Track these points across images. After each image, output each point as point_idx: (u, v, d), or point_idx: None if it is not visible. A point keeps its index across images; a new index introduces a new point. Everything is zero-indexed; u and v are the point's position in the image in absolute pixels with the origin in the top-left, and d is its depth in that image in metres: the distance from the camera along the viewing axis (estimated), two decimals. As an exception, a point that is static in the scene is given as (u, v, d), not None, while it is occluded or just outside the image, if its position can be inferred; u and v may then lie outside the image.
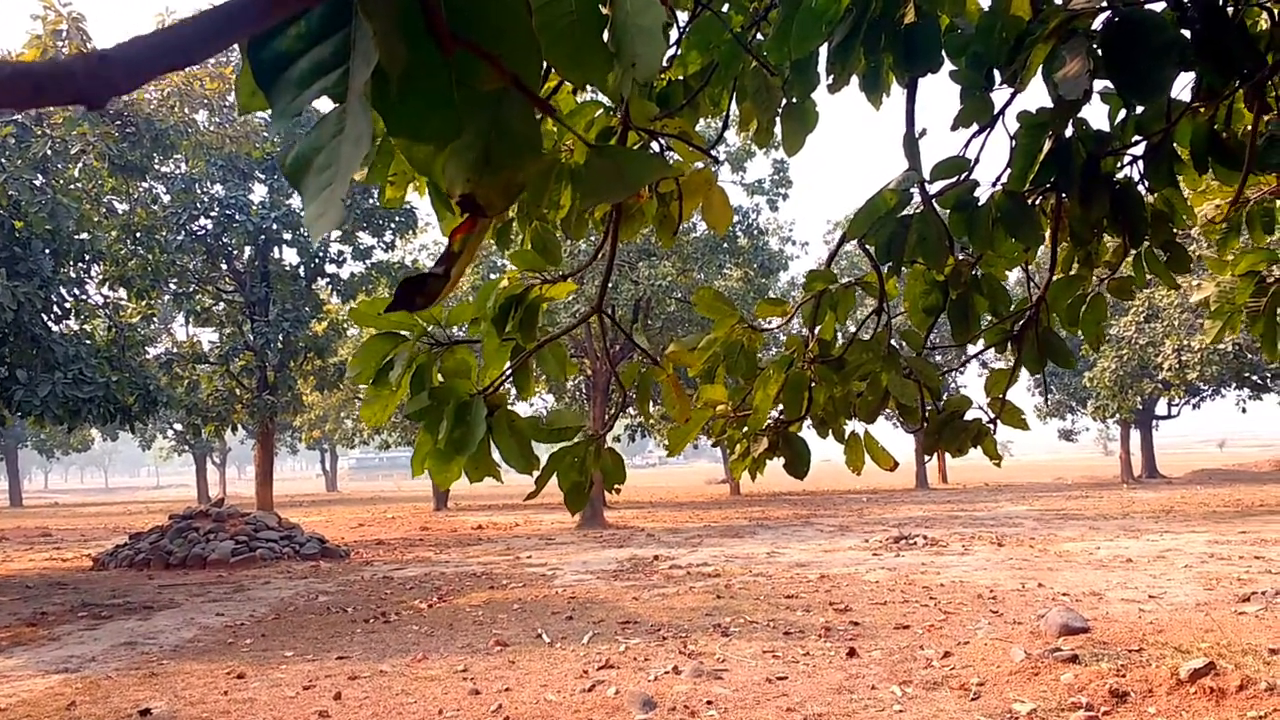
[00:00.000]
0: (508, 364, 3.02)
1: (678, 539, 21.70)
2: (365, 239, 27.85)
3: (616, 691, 7.85)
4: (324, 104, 0.71)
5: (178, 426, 35.75)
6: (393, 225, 27.52)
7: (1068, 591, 12.09)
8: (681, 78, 3.81)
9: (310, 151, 0.69)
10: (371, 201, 26.91)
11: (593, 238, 4.21)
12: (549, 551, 19.52)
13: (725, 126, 4.05)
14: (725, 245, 29.56)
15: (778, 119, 3.87)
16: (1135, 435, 45.25)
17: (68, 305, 15.62)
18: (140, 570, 18.22)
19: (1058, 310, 3.85)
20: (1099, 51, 2.37)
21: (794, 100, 3.77)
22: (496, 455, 2.98)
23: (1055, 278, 3.77)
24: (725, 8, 3.59)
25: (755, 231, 30.48)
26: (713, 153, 3.28)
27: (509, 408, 2.96)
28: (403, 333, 2.94)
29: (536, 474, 3.11)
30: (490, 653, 9.58)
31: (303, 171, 0.68)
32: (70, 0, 14.66)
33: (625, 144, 2.99)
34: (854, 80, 3.52)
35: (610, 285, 27.93)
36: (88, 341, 15.97)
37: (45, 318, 14.17)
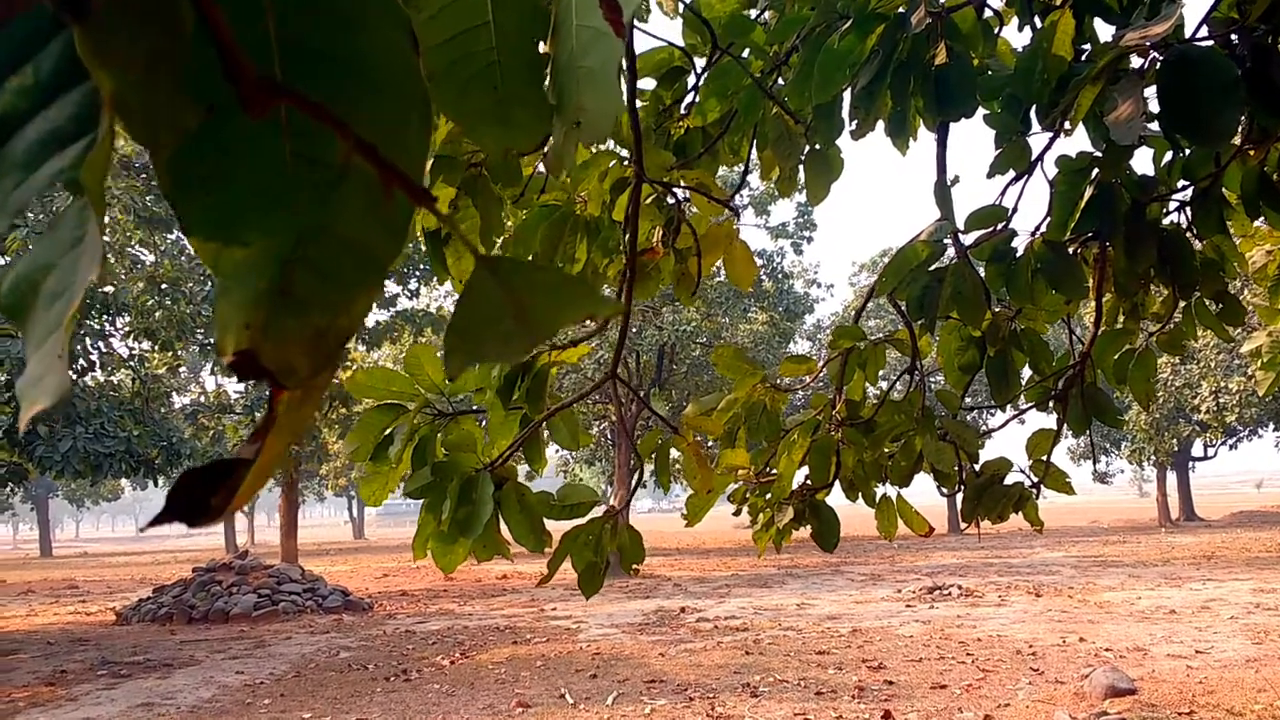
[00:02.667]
0: (516, 435, 2.82)
1: (705, 589, 21.30)
2: (390, 287, 27.89)
3: (642, 758, 7.55)
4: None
5: (204, 476, 35.68)
6: (417, 273, 27.54)
7: (1110, 646, 11.65)
8: (700, 126, 3.63)
9: (36, 273, 0.48)
10: (396, 250, 26.93)
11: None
12: (574, 603, 19.18)
13: (745, 174, 3.87)
14: (750, 290, 29.38)
15: (800, 167, 3.68)
16: (1171, 477, 44.39)
17: (93, 358, 15.60)
18: (163, 625, 18.04)
19: (1103, 366, 3.60)
20: (1153, 93, 2.17)
21: (817, 147, 3.58)
22: (506, 532, 2.78)
23: (1100, 331, 3.54)
24: (745, 52, 3.41)
25: (780, 275, 30.31)
26: (735, 199, 3.08)
27: (519, 481, 2.76)
28: (404, 404, 2.75)
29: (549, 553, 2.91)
30: (511, 715, 9.28)
31: (26, 305, 0.47)
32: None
33: (639, 198, 2.81)
34: (878, 127, 3.33)
35: (635, 332, 27.70)
36: (112, 394, 15.94)
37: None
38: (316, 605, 19.06)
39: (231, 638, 15.88)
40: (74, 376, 14.73)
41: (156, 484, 17.97)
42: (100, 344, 15.92)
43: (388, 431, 2.72)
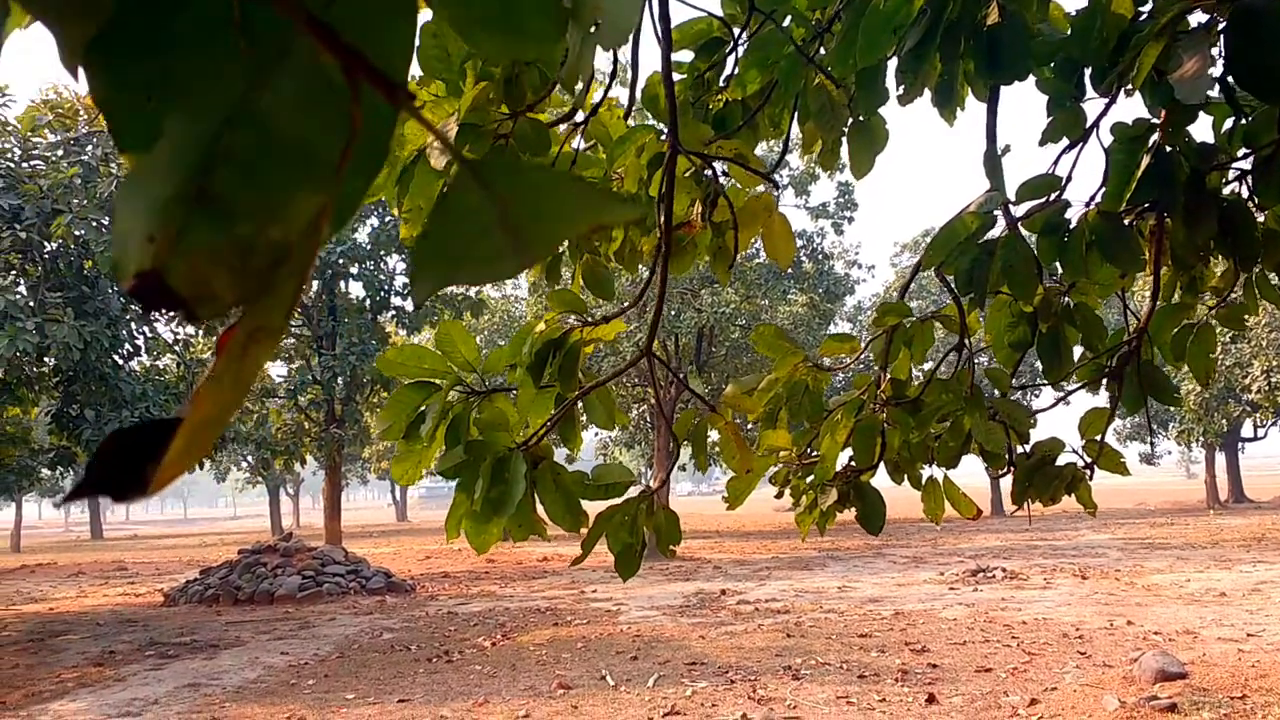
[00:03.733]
0: (551, 410, 2.75)
1: (745, 571, 21.23)
2: (429, 271, 27.94)
3: (682, 741, 7.50)
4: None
5: (250, 459, 36.22)
6: (456, 257, 27.58)
7: (1159, 630, 11.43)
8: (739, 98, 3.53)
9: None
10: (435, 234, 26.97)
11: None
12: (614, 585, 19.18)
13: (786, 149, 3.76)
14: (790, 271, 29.12)
15: (843, 139, 3.57)
16: (1220, 458, 43.60)
17: (138, 342, 15.77)
18: (210, 606, 18.28)
19: (1160, 342, 3.46)
20: (1222, 50, 2.04)
21: (860, 118, 3.46)
22: (542, 512, 2.71)
23: (1158, 306, 3.39)
24: (786, 21, 3.30)
25: (820, 256, 30.00)
26: (774, 177, 2.98)
27: (554, 460, 2.69)
28: (436, 381, 2.69)
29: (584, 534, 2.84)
30: (553, 696, 9.28)
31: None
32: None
33: (674, 171, 2.72)
34: (924, 94, 3.21)
35: (673, 314, 27.55)
36: (158, 378, 16.12)
37: (114, 356, 14.30)
38: (360, 587, 19.23)
39: (276, 619, 16.06)
40: (120, 361, 14.90)
41: (202, 466, 18.17)
42: (145, 329, 16.09)
43: (420, 410, 2.66)
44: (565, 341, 2.57)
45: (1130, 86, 2.52)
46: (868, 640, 11.55)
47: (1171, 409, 35.67)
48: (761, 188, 3.10)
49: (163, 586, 22.14)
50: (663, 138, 3.01)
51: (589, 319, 2.59)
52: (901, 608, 14.25)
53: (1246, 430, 42.01)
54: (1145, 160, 3.00)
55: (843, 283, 31.46)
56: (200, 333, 19.32)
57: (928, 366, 5.25)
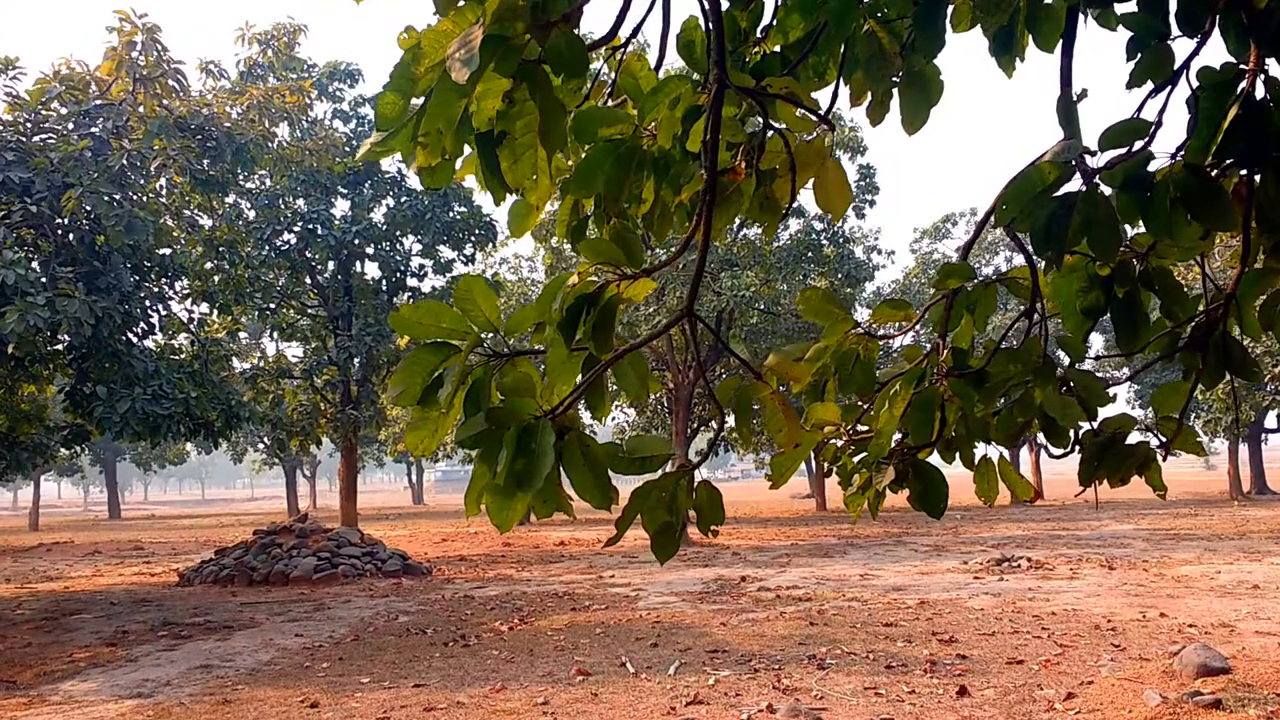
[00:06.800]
0: (578, 379, 2.48)
1: (765, 558, 20.97)
2: (446, 252, 27.72)
3: (706, 732, 7.25)
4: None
5: (266, 440, 36.20)
6: (473, 238, 27.33)
7: (1194, 622, 11.11)
8: (780, 48, 3.24)
9: None
10: (452, 215, 26.74)
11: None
12: (632, 570, 18.97)
13: (834, 101, 3.46)
14: (810, 255, 28.76)
15: (893, 91, 3.27)
16: (1242, 449, 43.01)
17: (152, 320, 15.59)
18: (224, 586, 18.17)
19: (1246, 311, 3.16)
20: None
21: (915, 68, 3.16)
22: (568, 486, 2.45)
23: (1245, 270, 3.09)
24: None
25: (841, 240, 29.59)
26: (829, 118, 2.69)
27: (582, 431, 2.42)
28: (454, 342, 2.42)
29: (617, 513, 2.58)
30: (572, 683, 9.05)
31: None
32: (146, 12, 14.64)
33: (719, 109, 2.44)
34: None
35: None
36: (172, 357, 15.94)
37: (127, 334, 14.11)
38: (375, 569, 19.09)
39: (291, 600, 15.92)
40: (134, 339, 14.72)
41: (217, 446, 18.04)
42: (159, 307, 15.90)
43: (437, 374, 2.39)
44: (600, 297, 2.29)
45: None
46: (893, 630, 11.27)
47: (1199, 398, 35.15)
48: (814, 133, 2.81)
49: (178, 566, 22.09)
50: (699, 89, 2.73)
51: (626, 271, 2.31)
52: (926, 596, 13.96)
53: (1270, 422, 41.42)
54: (1233, 110, 2.71)
55: (863, 267, 31.03)
56: (215, 312, 19.14)
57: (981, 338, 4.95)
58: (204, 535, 38.15)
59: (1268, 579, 14.73)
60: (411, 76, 1.89)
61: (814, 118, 2.71)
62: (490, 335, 2.44)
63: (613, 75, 3.00)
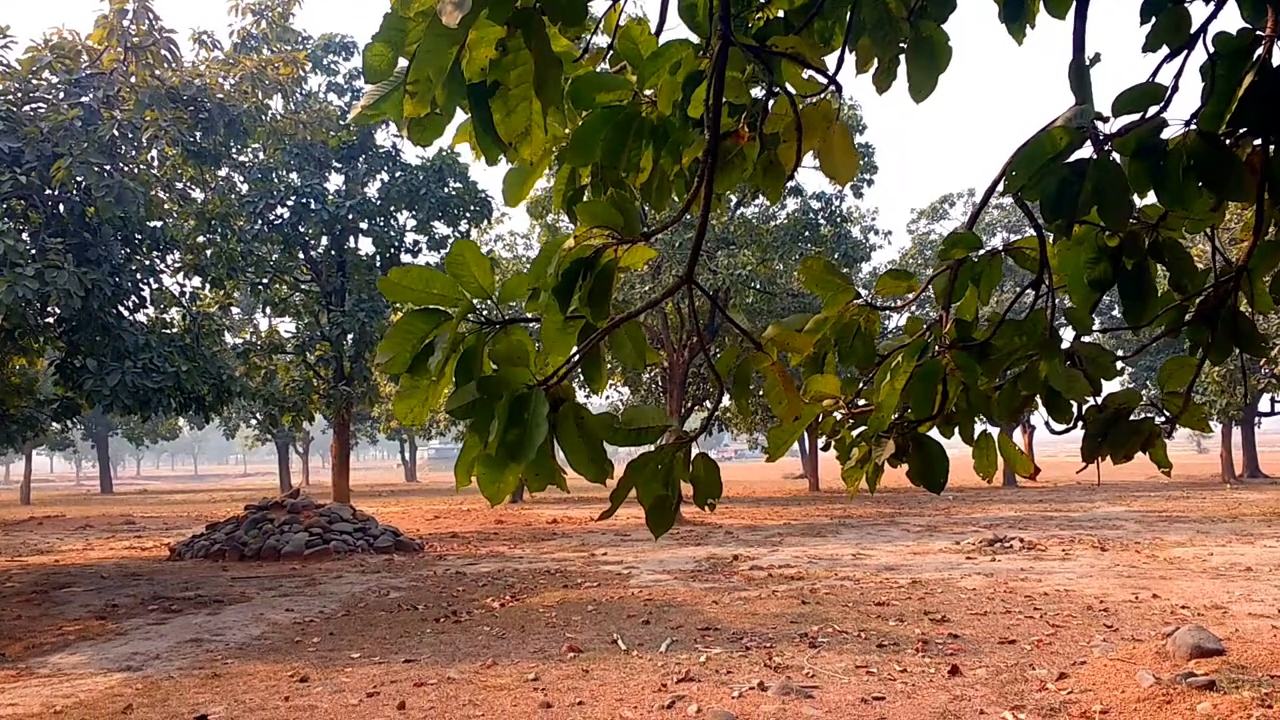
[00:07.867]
0: (574, 348, 2.40)
1: (757, 537, 20.98)
2: (440, 229, 27.53)
3: (699, 710, 7.21)
4: None
5: (259, 416, 36.06)
6: (468, 215, 27.16)
7: (1186, 604, 11.11)
8: (783, 12, 3.15)
9: None
10: (447, 190, 26.56)
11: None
12: (625, 549, 18.95)
13: (839, 68, 3.38)
14: (806, 234, 28.66)
15: (900, 58, 3.18)
16: (1235, 432, 43.13)
17: (143, 293, 15.46)
18: (215, 561, 18.13)
19: (1258, 283, 3.09)
20: None
21: (923, 34, 3.07)
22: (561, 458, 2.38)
23: (1258, 242, 3.02)
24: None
25: (838, 219, 29.48)
26: (837, 80, 2.60)
27: (577, 402, 2.35)
28: (446, 309, 2.34)
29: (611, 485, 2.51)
30: (563, 659, 9.02)
31: None
32: (137, -19, 14.43)
33: (724, 65, 2.35)
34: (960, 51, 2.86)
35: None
36: (163, 330, 15.82)
37: (118, 307, 13.98)
38: (368, 545, 19.05)
39: (283, 575, 15.87)
40: (124, 312, 14.59)
41: (209, 420, 17.94)
42: (151, 280, 15.76)
43: (427, 341, 2.32)
44: (597, 262, 2.21)
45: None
46: (885, 609, 11.26)
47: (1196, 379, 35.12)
48: (820, 95, 2.72)
49: (169, 541, 22.03)
50: (700, 54, 2.65)
51: (622, 234, 2.23)
52: (918, 576, 13.96)
53: (1263, 405, 41.49)
54: (1249, 78, 2.63)
55: (860, 247, 30.94)
56: (207, 286, 19.00)
57: (984, 310, 4.89)
58: (196, 510, 38.11)
59: (1260, 561, 14.75)
60: (402, 26, 1.80)
61: (821, 79, 2.63)
62: (483, 302, 2.37)
63: (611, 40, 2.91)
